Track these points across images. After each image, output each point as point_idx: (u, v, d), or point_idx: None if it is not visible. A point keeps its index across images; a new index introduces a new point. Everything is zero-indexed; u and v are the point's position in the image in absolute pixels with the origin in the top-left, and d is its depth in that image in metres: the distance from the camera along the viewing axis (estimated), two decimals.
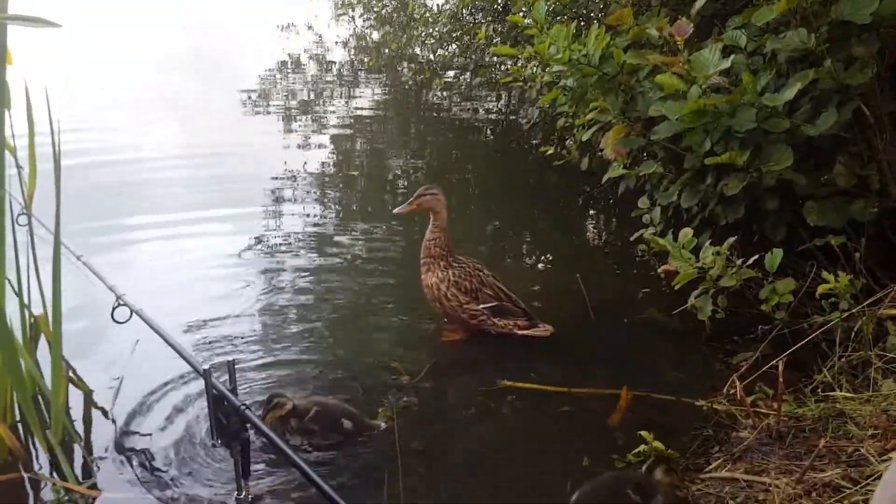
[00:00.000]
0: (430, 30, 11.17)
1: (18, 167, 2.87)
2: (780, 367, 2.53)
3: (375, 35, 15.64)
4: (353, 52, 15.58)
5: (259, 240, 4.70)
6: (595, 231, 5.27)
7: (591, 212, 5.70)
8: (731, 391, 2.83)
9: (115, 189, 5.72)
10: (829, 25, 2.89)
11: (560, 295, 3.95)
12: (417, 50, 12.93)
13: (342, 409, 2.70)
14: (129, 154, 6.81)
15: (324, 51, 15.53)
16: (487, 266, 3.59)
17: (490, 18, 9.18)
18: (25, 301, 2.84)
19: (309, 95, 10.51)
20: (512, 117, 9.40)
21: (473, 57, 10.31)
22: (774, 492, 2.24)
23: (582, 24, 5.49)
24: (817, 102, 3.03)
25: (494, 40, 8.12)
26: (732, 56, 3.01)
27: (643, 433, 2.49)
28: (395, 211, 3.58)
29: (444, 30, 10.59)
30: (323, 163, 6.86)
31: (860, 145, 3.06)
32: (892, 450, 2.27)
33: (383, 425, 2.72)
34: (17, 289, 2.77)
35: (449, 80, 11.22)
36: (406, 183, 6.28)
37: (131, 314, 2.61)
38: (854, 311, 2.81)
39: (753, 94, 2.88)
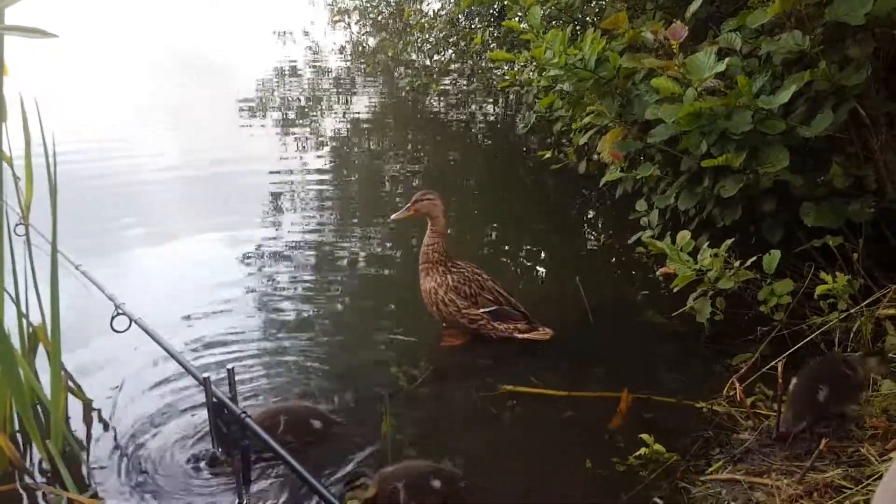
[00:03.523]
0: (427, 35, 11.20)
1: (15, 178, 2.87)
2: (780, 369, 2.54)
3: (372, 41, 15.68)
4: (349, 58, 15.60)
5: (257, 247, 4.70)
6: (593, 234, 5.27)
7: (589, 215, 5.70)
8: (731, 393, 2.84)
9: (112, 198, 5.71)
10: (824, 27, 2.90)
11: (559, 298, 3.95)
12: (414, 56, 12.96)
13: (309, 410, 2.75)
14: (127, 162, 6.81)
15: (320, 58, 15.55)
16: (486, 270, 3.60)
17: (486, 23, 9.20)
18: (24, 311, 2.84)
19: (306, 102, 10.52)
20: (509, 121, 9.41)
21: (470, 62, 10.33)
22: (776, 493, 2.24)
23: (578, 28, 5.51)
24: (813, 104, 3.04)
25: (491, 45, 8.14)
26: (727, 59, 3.02)
27: (644, 436, 2.50)
28: (393, 217, 3.58)
29: (441, 35, 10.62)
30: (321, 169, 6.87)
31: (856, 146, 3.07)
32: (893, 450, 2.27)
33: (342, 421, 2.75)
34: (15, 299, 2.77)
35: (445, 85, 11.24)
36: (404, 188, 6.28)
37: (130, 323, 2.61)
38: (852, 311, 2.82)
39: (749, 97, 2.89)
